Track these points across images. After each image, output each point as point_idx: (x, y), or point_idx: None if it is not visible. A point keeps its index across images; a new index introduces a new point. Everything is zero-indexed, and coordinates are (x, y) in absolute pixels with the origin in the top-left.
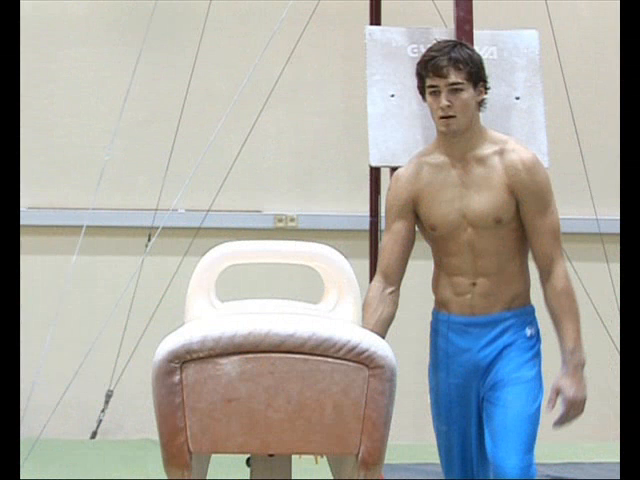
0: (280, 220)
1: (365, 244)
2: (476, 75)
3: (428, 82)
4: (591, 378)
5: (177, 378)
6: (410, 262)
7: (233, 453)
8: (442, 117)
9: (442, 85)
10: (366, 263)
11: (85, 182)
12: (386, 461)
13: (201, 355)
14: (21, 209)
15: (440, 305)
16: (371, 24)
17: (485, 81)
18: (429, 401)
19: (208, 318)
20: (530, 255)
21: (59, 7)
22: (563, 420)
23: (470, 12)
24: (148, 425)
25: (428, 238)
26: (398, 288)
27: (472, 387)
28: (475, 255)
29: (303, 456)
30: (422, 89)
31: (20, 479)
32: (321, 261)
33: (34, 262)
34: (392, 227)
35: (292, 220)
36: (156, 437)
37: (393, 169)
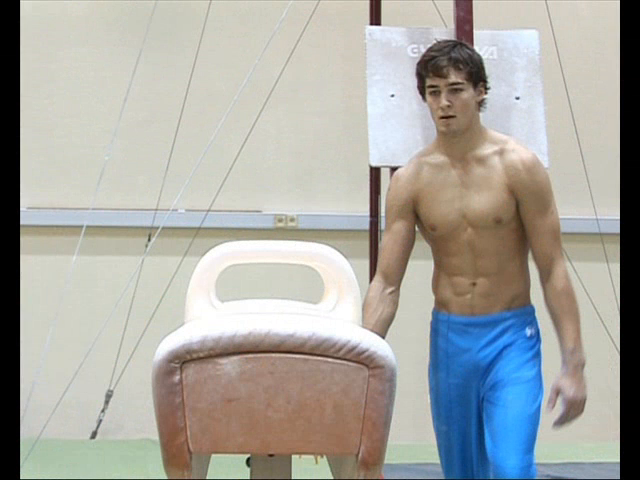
0: (280, 220)
1: (365, 244)
2: (476, 75)
3: (428, 82)
4: (591, 378)
5: (177, 378)
6: (410, 262)
7: (233, 453)
8: (442, 117)
9: (442, 85)
10: (366, 263)
11: (85, 182)
12: (386, 461)
13: (201, 355)
14: (21, 209)
15: (440, 305)
16: (371, 24)
17: (485, 81)
18: (429, 401)
19: (208, 318)
20: (530, 255)
21: (59, 7)
22: (563, 420)
23: (470, 12)
24: (148, 425)
25: (428, 238)
26: (398, 288)
27: (472, 387)
28: (475, 255)
29: (303, 456)
30: (422, 89)
31: (20, 479)
32: (321, 261)
33: (34, 262)
34: (392, 227)
35: (292, 220)
36: (156, 437)
37: (393, 169)
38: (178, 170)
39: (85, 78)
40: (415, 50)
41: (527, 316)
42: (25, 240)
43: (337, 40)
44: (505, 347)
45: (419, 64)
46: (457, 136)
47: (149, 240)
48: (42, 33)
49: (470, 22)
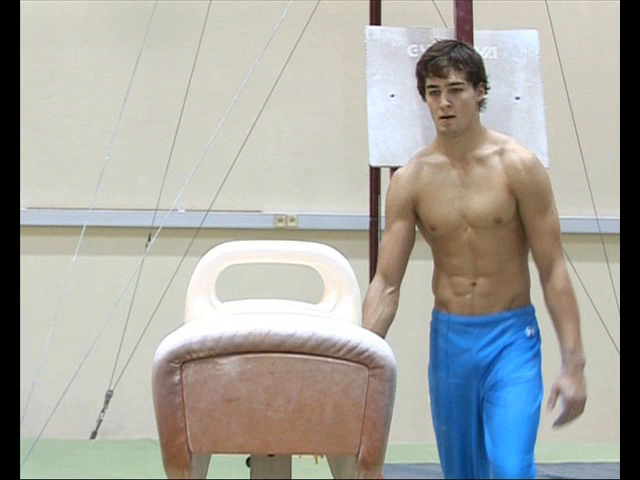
0: (280, 220)
1: (365, 244)
2: (476, 75)
3: (428, 82)
4: (591, 378)
5: (177, 378)
6: (410, 262)
7: (233, 453)
8: (442, 117)
9: (442, 85)
10: (366, 263)
11: (85, 182)
12: (386, 461)
13: (201, 355)
14: (21, 209)
15: (440, 305)
16: (371, 24)
17: (485, 81)
18: (429, 401)
19: (208, 318)
20: (530, 255)
21: (59, 7)
22: (563, 420)
23: (470, 12)
24: (148, 425)
25: (428, 238)
26: (398, 288)
27: (472, 387)
28: (475, 255)
29: (303, 456)
30: (422, 89)
31: (20, 479)
32: (321, 261)
33: (34, 262)
34: (392, 227)
35: (292, 220)
36: (156, 437)
37: (393, 169)
38: (178, 170)
39: (85, 78)
40: (415, 50)
41: (527, 316)
42: (25, 240)
43: (337, 40)
44: (505, 347)
45: (419, 64)
46: (457, 136)
47: (149, 240)
48: (42, 33)
49: (470, 22)
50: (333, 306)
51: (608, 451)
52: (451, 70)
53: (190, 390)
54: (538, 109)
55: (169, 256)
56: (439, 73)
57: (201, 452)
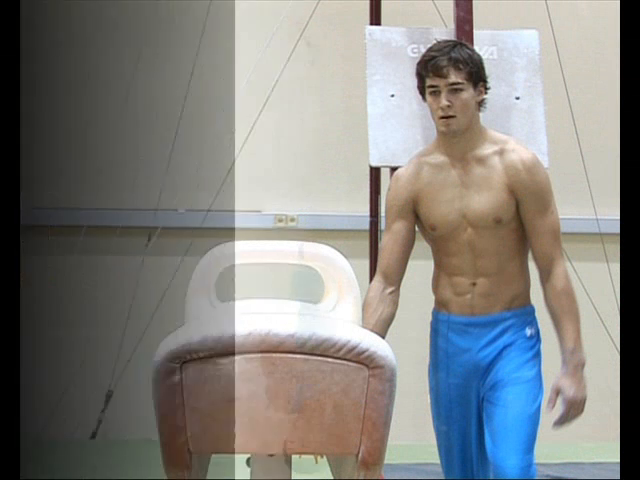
0: (280, 220)
1: (365, 244)
2: (476, 75)
3: (428, 82)
4: (591, 378)
5: (177, 378)
6: (410, 262)
7: (233, 453)
8: (442, 117)
9: (442, 85)
10: (366, 263)
11: (85, 182)
12: (386, 461)
13: (201, 355)
14: (21, 209)
15: (440, 305)
16: (371, 24)
17: (485, 81)
18: (429, 401)
19: (208, 318)
20: (530, 255)
21: (60, 7)
22: (563, 420)
23: (470, 12)
24: (148, 425)
25: (428, 238)
26: (398, 288)
27: (472, 387)
28: (475, 255)
29: (303, 456)
30: (422, 89)
31: (20, 479)
32: (321, 261)
33: (34, 262)
34: (392, 227)
35: (292, 220)
36: (156, 437)
37: (393, 169)
38: (178, 170)
39: (86, 78)
40: (415, 50)
41: (527, 316)
42: (25, 240)
43: (337, 40)
44: (505, 347)
45: (419, 64)
46: (457, 136)
47: (149, 240)
48: (42, 33)
49: (470, 22)
50: (333, 306)
51: (608, 451)
52: (451, 70)
53: (190, 390)
54: (538, 109)
55: (169, 256)
56: (439, 73)
57: (201, 452)
